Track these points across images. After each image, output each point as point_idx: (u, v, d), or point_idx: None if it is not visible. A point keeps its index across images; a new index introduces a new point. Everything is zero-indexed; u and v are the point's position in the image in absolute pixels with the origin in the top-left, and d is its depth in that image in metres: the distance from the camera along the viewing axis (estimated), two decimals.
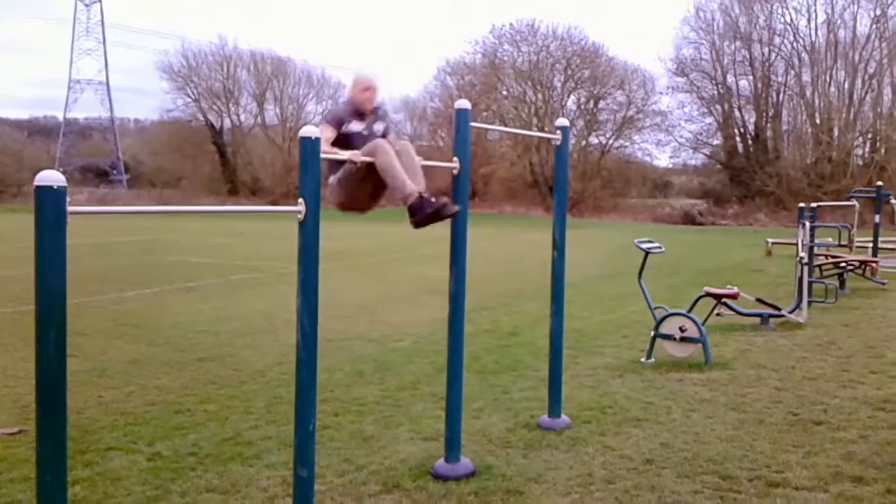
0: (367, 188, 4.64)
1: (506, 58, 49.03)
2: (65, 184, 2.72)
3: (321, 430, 5.12)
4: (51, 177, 2.70)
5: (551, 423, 5.63)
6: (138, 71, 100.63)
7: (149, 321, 9.81)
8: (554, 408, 5.72)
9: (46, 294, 2.72)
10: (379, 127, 4.90)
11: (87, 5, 62.17)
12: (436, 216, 4.46)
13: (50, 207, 2.70)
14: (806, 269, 10.19)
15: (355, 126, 4.78)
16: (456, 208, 4.59)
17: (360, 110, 4.83)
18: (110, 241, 20.35)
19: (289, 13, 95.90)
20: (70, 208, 2.74)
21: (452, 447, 4.81)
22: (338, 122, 4.76)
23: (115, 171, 60.68)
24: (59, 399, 2.78)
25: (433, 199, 4.44)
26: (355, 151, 4.50)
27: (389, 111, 51.70)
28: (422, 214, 4.44)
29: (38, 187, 2.70)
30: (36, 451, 2.81)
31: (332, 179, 4.67)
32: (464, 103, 4.89)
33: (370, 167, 4.45)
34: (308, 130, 3.70)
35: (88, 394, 6.38)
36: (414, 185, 4.45)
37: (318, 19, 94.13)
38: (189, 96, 53.24)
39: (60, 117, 64.05)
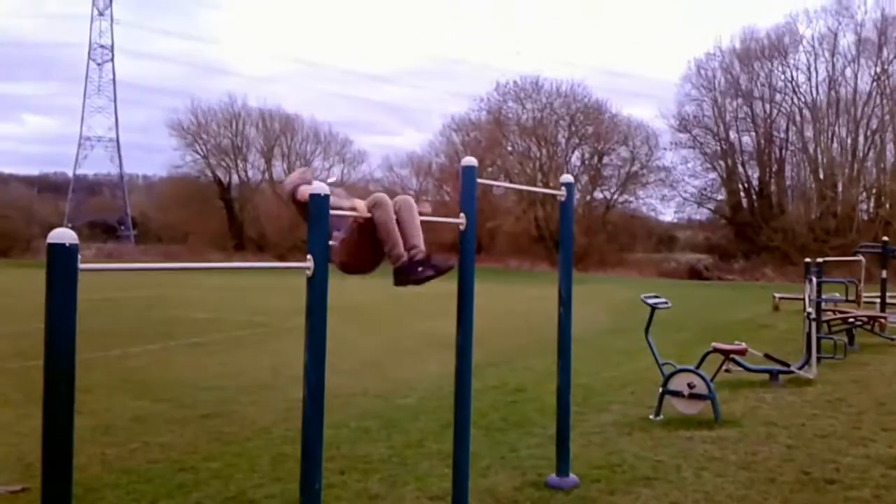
0: (367, 245, 4.56)
1: (510, 114, 49.79)
2: (77, 242, 2.76)
3: (327, 489, 5.05)
4: (63, 234, 2.74)
5: (559, 482, 5.55)
6: (148, 128, 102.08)
7: (154, 377, 9.77)
8: (562, 466, 5.65)
9: (57, 349, 2.73)
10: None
11: (98, 64, 63.44)
12: (419, 282, 4.47)
13: (62, 264, 2.73)
14: (814, 324, 10.14)
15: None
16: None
17: None
18: (116, 297, 20.39)
19: (298, 71, 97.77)
20: (81, 265, 2.77)
21: None
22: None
23: (122, 227, 61.15)
24: (65, 456, 2.76)
25: (419, 269, 4.41)
26: (358, 201, 4.47)
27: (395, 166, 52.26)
28: (405, 279, 4.45)
29: (50, 245, 2.73)
30: None
31: (334, 241, 4.57)
32: (470, 160, 4.96)
33: (371, 223, 4.46)
34: (317, 187, 3.75)
35: (91, 451, 6.32)
36: (402, 249, 4.41)
37: (325, 76, 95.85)
38: (198, 153, 54.07)
39: (70, 173, 64.88)
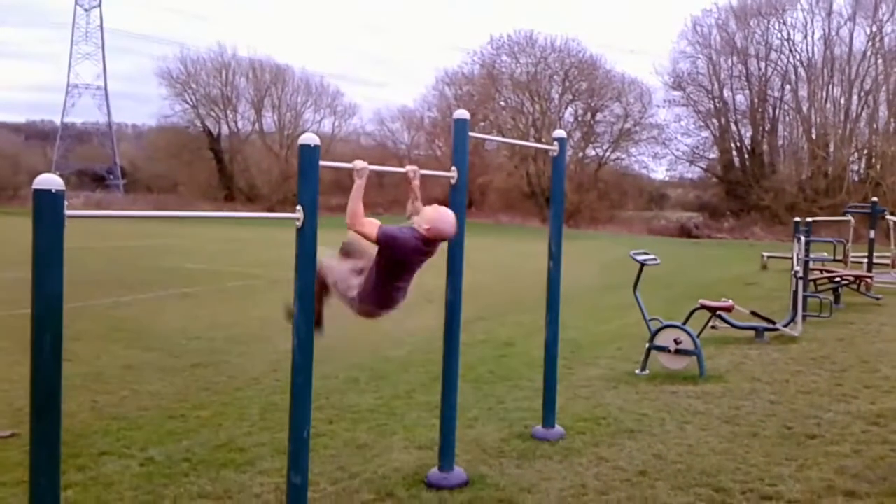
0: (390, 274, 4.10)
1: (504, 69, 49.28)
2: (63, 188, 2.73)
3: (315, 438, 5.10)
4: (49, 180, 2.71)
5: (545, 433, 5.63)
6: (136, 76, 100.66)
7: (144, 327, 9.79)
8: (548, 418, 5.72)
9: (43, 297, 2.73)
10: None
11: (86, 10, 62.18)
12: None
13: (48, 211, 2.71)
14: (801, 283, 10.22)
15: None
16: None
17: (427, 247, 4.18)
18: (106, 246, 20.31)
19: (288, 21, 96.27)
20: (68, 212, 2.74)
21: (446, 456, 4.81)
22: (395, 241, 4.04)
23: (111, 176, 60.58)
24: (53, 403, 2.78)
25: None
26: (362, 163, 4.06)
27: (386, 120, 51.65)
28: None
29: (36, 191, 2.70)
30: (29, 455, 2.80)
31: (353, 293, 4.18)
32: (463, 113, 4.92)
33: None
34: (308, 138, 3.72)
35: (82, 398, 6.36)
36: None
37: (317, 27, 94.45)
38: (187, 102, 53.32)
39: (58, 121, 64.04)
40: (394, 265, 4.08)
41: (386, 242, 4.01)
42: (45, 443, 2.78)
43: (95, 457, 5.02)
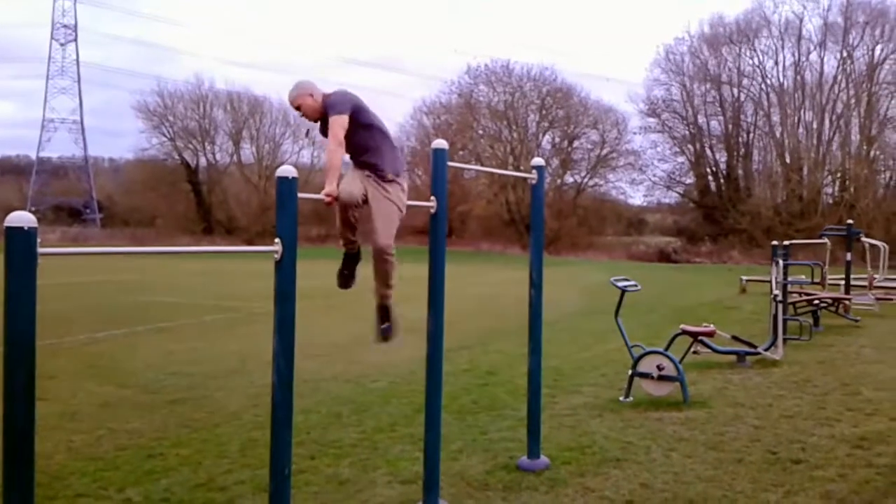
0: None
1: (481, 97, 49.65)
2: (36, 225, 2.68)
3: (297, 474, 5.02)
4: (22, 218, 2.66)
5: (530, 464, 5.57)
6: (113, 110, 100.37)
7: (120, 363, 9.63)
8: (533, 448, 5.67)
9: (15, 336, 2.66)
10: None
11: (62, 44, 62.15)
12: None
13: (20, 249, 2.65)
14: (780, 306, 10.27)
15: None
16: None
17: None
18: (82, 281, 20.06)
19: (265, 52, 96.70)
20: (41, 250, 2.69)
21: (431, 490, 4.74)
22: (356, 109, 4.36)
23: (88, 210, 60.13)
24: (26, 445, 2.70)
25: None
26: (332, 190, 4.25)
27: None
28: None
29: (8, 228, 2.65)
30: (2, 499, 2.72)
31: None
32: (441, 143, 4.91)
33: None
34: (285, 170, 3.69)
35: (57, 438, 6.22)
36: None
37: (294, 59, 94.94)
38: (164, 135, 53.12)
39: (33, 156, 63.60)
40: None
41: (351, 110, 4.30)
42: (18, 486, 2.70)
43: (72, 499, 4.90)
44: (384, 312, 4.82)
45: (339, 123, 4.20)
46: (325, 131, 4.38)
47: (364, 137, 4.40)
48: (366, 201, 4.41)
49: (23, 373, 2.66)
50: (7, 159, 71.93)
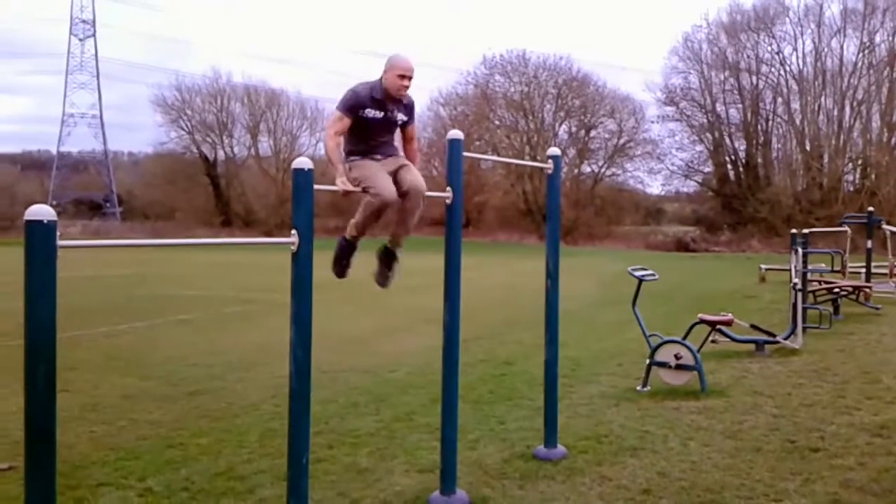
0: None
1: (497, 88, 49.56)
2: (55, 218, 2.72)
3: (315, 464, 5.06)
4: (41, 211, 2.70)
5: (547, 453, 5.59)
6: (131, 105, 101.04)
7: (141, 355, 9.74)
8: (550, 438, 5.68)
9: (36, 328, 2.71)
10: (401, 116, 4.65)
11: (80, 40, 62.59)
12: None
13: (40, 242, 2.69)
14: (800, 295, 10.20)
15: (374, 112, 4.50)
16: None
17: (389, 97, 4.52)
18: (103, 274, 20.26)
19: (283, 45, 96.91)
20: (60, 242, 2.73)
21: (448, 479, 4.76)
22: (356, 108, 4.45)
23: (108, 204, 60.66)
24: (48, 435, 2.75)
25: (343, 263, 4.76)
26: (344, 181, 4.37)
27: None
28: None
29: (28, 221, 2.69)
30: (25, 488, 2.77)
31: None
32: (457, 133, 4.92)
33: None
34: (301, 162, 3.71)
35: (79, 429, 6.31)
36: (349, 231, 4.68)
37: (311, 51, 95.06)
38: (183, 129, 53.54)
39: (54, 151, 64.20)
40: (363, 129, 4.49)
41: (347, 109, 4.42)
42: (41, 475, 2.75)
43: (93, 488, 4.96)
44: (391, 258, 4.87)
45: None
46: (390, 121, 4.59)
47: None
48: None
49: (44, 363, 2.71)
50: (28, 154, 72.66)
